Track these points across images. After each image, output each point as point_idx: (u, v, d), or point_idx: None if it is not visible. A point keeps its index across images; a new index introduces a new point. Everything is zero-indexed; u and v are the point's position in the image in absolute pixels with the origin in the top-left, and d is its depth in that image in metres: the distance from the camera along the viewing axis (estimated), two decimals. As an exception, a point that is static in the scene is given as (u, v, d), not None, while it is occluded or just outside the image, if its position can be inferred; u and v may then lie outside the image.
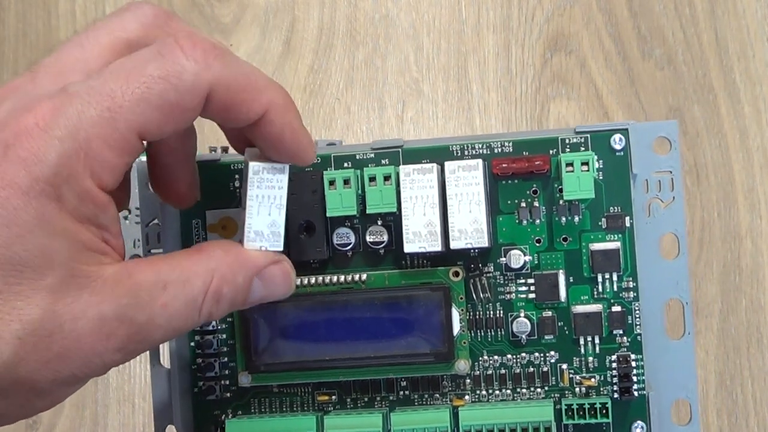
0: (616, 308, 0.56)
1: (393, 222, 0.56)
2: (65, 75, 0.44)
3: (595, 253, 0.56)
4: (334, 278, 0.56)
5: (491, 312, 0.56)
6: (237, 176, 0.57)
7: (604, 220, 0.56)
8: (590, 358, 0.56)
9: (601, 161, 0.56)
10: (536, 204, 0.56)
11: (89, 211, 0.42)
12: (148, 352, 0.59)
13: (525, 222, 0.56)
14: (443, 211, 0.55)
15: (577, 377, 0.56)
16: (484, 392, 0.57)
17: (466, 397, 0.57)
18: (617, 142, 0.56)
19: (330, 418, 0.56)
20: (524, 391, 0.57)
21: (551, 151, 0.56)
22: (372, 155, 0.57)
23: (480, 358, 0.57)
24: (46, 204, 0.41)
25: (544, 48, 0.80)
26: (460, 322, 0.56)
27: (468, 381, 0.57)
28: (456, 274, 0.56)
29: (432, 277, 0.56)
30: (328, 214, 0.55)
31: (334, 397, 0.58)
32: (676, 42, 0.78)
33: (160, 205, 0.58)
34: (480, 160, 0.55)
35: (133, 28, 0.46)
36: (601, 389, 0.56)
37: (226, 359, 0.58)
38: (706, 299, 0.76)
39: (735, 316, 0.76)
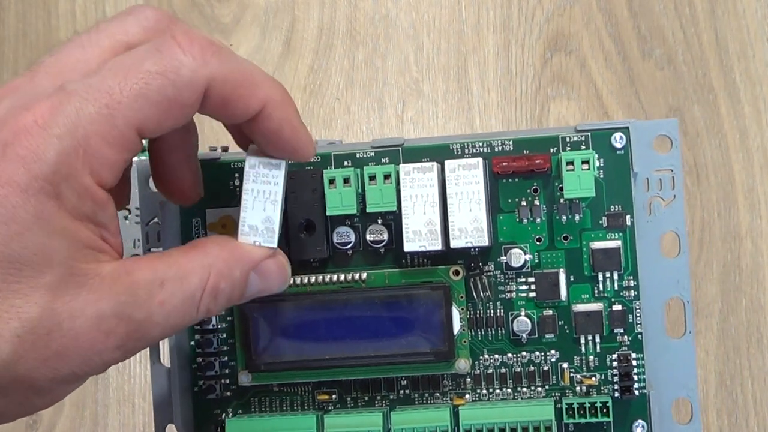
0: (617, 307, 0.56)
1: (393, 221, 0.56)
2: (65, 75, 0.44)
3: (595, 252, 0.56)
4: (335, 277, 0.56)
5: (492, 311, 0.56)
6: (237, 175, 0.57)
7: (604, 218, 0.56)
8: (591, 357, 0.56)
9: (601, 160, 0.56)
10: (537, 203, 0.56)
11: (88, 208, 0.42)
12: (148, 352, 0.59)
13: (525, 221, 0.56)
14: (443, 209, 0.55)
15: (578, 376, 0.56)
16: (484, 391, 0.57)
17: (467, 396, 0.57)
18: (618, 140, 0.56)
19: (330, 417, 0.56)
20: (525, 390, 0.56)
21: (552, 150, 0.56)
22: (372, 154, 0.57)
23: (480, 357, 0.56)
24: (45, 202, 0.41)
25: (544, 48, 0.80)
26: (461, 321, 0.56)
27: (468, 380, 0.57)
28: (456, 273, 0.56)
29: (432, 276, 0.56)
30: (328, 213, 0.55)
31: (334, 396, 0.58)
32: (676, 42, 0.78)
33: (159, 204, 0.58)
34: (480, 159, 0.55)
35: (135, 32, 0.46)
36: (602, 388, 0.56)
37: (226, 358, 0.58)
38: (706, 299, 0.76)
39: (735, 316, 0.76)
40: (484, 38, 0.81)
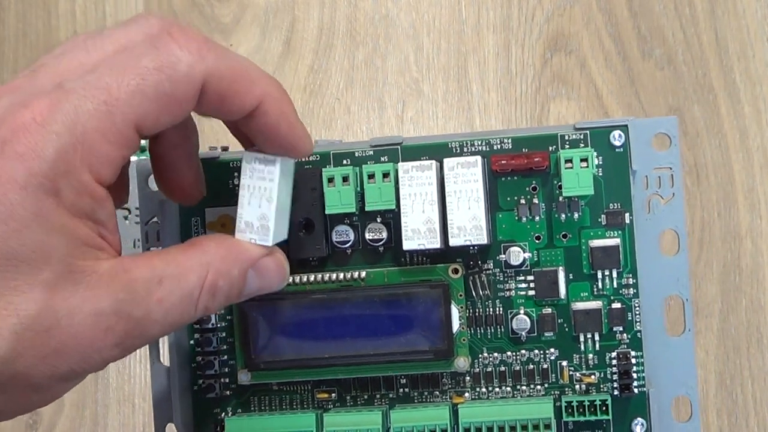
0: (616, 305, 0.56)
1: (392, 219, 0.56)
2: (65, 76, 0.44)
3: (594, 250, 0.56)
4: (334, 276, 0.56)
5: (491, 309, 0.56)
6: (236, 174, 0.57)
7: (603, 216, 0.56)
8: (590, 355, 0.56)
9: (600, 158, 0.56)
10: (535, 201, 0.56)
11: (87, 205, 0.42)
12: (148, 351, 0.59)
13: (524, 219, 0.56)
14: (442, 208, 0.55)
15: (577, 374, 0.56)
16: (483, 389, 0.57)
17: (466, 394, 0.57)
18: (617, 138, 0.56)
19: (330, 415, 0.56)
20: (524, 388, 0.56)
21: (550, 148, 0.56)
22: (371, 152, 0.57)
23: (480, 356, 0.56)
24: (44, 199, 0.41)
25: (544, 48, 0.80)
26: (460, 320, 0.56)
27: (468, 378, 0.57)
28: (455, 271, 0.56)
29: (431, 275, 0.56)
30: (327, 212, 0.55)
31: (333, 394, 0.58)
32: (676, 42, 0.78)
33: (159, 203, 0.58)
34: (479, 157, 0.55)
35: (139, 39, 0.46)
36: (601, 386, 0.56)
37: (225, 357, 0.58)
38: (706, 299, 0.76)
39: (735, 316, 0.76)
40: (484, 38, 0.81)
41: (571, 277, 0.56)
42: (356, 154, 0.57)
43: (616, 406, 0.56)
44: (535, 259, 0.56)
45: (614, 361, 0.56)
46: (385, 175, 0.55)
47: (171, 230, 0.58)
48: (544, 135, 0.56)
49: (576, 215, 0.56)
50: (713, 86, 0.78)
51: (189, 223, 0.58)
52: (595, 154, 0.55)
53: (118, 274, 0.43)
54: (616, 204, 0.56)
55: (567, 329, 0.56)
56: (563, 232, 0.56)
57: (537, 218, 0.56)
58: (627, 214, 0.56)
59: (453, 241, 0.54)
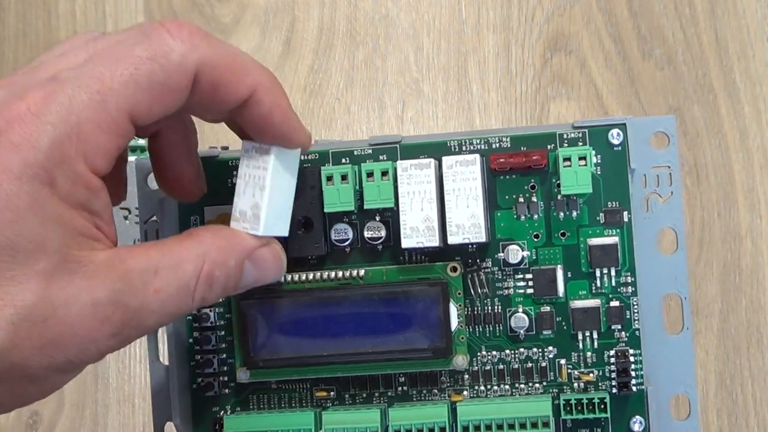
0: (615, 303, 0.56)
1: (391, 217, 0.56)
2: (61, 69, 0.45)
3: (593, 248, 0.56)
4: (332, 274, 0.56)
5: (489, 307, 0.56)
6: (235, 172, 0.57)
7: (602, 215, 0.56)
8: (588, 354, 0.56)
9: (599, 156, 0.56)
10: (534, 199, 0.56)
11: (82, 195, 0.43)
12: (147, 351, 0.59)
13: (523, 217, 0.56)
14: (441, 206, 0.55)
15: (576, 372, 0.56)
16: (482, 388, 0.57)
17: (465, 392, 0.57)
18: (615, 137, 0.56)
19: (328, 413, 0.56)
20: (522, 386, 0.57)
21: (549, 146, 0.56)
22: (370, 151, 0.57)
23: (478, 354, 0.57)
24: (39, 189, 0.41)
25: (544, 48, 0.80)
26: (458, 318, 0.56)
27: (466, 376, 0.57)
28: (454, 269, 0.56)
29: (430, 273, 0.56)
30: (325, 210, 0.56)
31: (332, 392, 0.58)
32: (676, 42, 0.78)
33: (159, 201, 0.58)
34: (477, 156, 0.55)
35: (133, 33, 0.46)
36: (600, 384, 0.56)
37: (224, 355, 0.58)
38: (706, 299, 0.76)
39: (735, 316, 0.76)
40: (484, 38, 0.81)
41: (569, 276, 0.56)
42: (355, 153, 0.57)
43: (615, 404, 0.56)
44: (534, 257, 0.56)
45: (613, 360, 0.56)
46: (384, 173, 0.55)
47: (170, 229, 0.58)
48: (542, 134, 0.56)
49: (574, 214, 0.56)
50: (713, 86, 0.78)
51: (188, 221, 0.58)
52: (593, 152, 0.55)
53: (114, 264, 0.43)
54: (614, 202, 0.56)
55: (565, 327, 0.56)
56: (562, 231, 0.56)
57: (535, 217, 0.56)
58: (625, 213, 0.56)
59: (451, 240, 0.54)
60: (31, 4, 0.84)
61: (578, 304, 0.56)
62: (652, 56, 0.79)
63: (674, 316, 0.57)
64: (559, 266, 0.56)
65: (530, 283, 0.56)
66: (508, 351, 0.56)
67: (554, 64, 0.80)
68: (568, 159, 0.54)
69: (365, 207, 0.56)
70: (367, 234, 0.57)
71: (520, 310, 0.56)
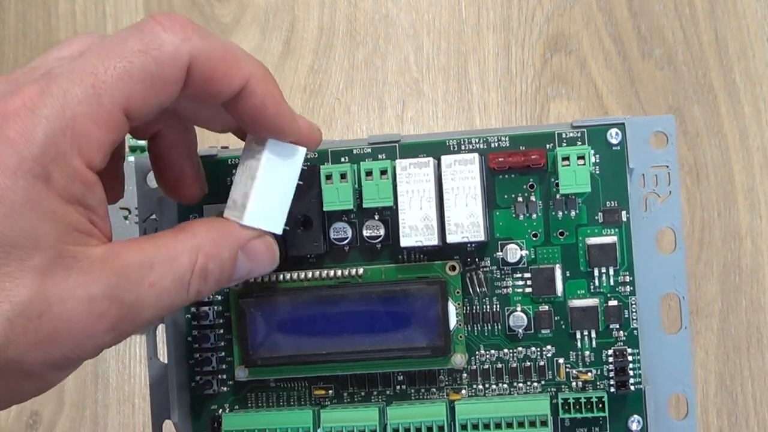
0: (613, 302, 0.56)
1: (390, 216, 0.57)
2: (55, 65, 0.45)
3: (591, 248, 0.56)
4: (331, 272, 0.56)
5: (488, 306, 0.56)
6: (233, 171, 0.57)
7: (600, 214, 0.56)
8: (587, 353, 0.56)
9: (597, 155, 0.56)
10: (533, 198, 0.56)
11: (77, 190, 0.43)
12: (145, 350, 0.59)
13: (521, 216, 0.56)
14: (440, 205, 0.55)
15: (574, 371, 0.56)
16: (480, 386, 0.57)
17: (463, 391, 0.57)
18: (614, 136, 0.56)
19: (327, 412, 0.56)
20: (521, 385, 0.57)
21: (548, 146, 0.56)
22: (369, 150, 0.57)
23: (476, 353, 0.57)
24: (35, 184, 0.41)
25: (544, 48, 0.80)
26: (457, 317, 0.56)
27: (464, 375, 0.57)
28: (452, 268, 0.56)
29: (428, 272, 0.56)
30: (324, 209, 0.56)
31: (330, 391, 0.58)
32: (676, 42, 0.78)
33: (157, 200, 0.58)
34: (476, 155, 0.55)
35: (126, 29, 0.46)
36: (598, 383, 0.56)
37: (223, 353, 0.58)
38: (706, 299, 0.76)
39: (735, 316, 0.76)
40: (484, 38, 0.81)
41: (567, 275, 0.56)
42: (354, 152, 0.57)
43: (613, 403, 0.56)
44: (532, 256, 0.56)
45: (611, 359, 0.56)
46: (383, 172, 0.55)
47: (169, 227, 0.58)
48: (541, 133, 0.56)
49: (573, 213, 0.56)
50: (713, 86, 0.78)
51: (187, 219, 0.58)
52: (592, 152, 0.55)
53: (109, 259, 0.43)
54: (613, 202, 0.56)
55: (564, 326, 0.56)
56: (560, 230, 0.56)
57: (534, 216, 0.56)
58: (624, 212, 0.56)
59: (450, 238, 0.54)
60: (31, 4, 0.84)
61: (577, 303, 0.56)
62: (652, 56, 0.79)
63: (672, 316, 0.57)
64: (557, 265, 0.56)
65: (529, 282, 0.56)
66: (506, 350, 0.57)
67: (554, 64, 0.80)
68: (567, 158, 0.54)
69: (364, 206, 0.56)
70: (366, 233, 0.57)
71: (519, 309, 0.56)
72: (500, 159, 0.55)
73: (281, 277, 0.56)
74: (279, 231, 0.51)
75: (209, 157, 0.57)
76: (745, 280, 0.76)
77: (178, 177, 0.52)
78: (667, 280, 0.57)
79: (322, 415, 0.56)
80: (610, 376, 0.56)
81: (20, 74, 0.45)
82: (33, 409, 0.79)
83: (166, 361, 0.58)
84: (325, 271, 0.56)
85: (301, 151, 0.51)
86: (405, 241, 0.54)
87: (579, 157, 0.54)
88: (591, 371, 0.56)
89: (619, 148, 0.56)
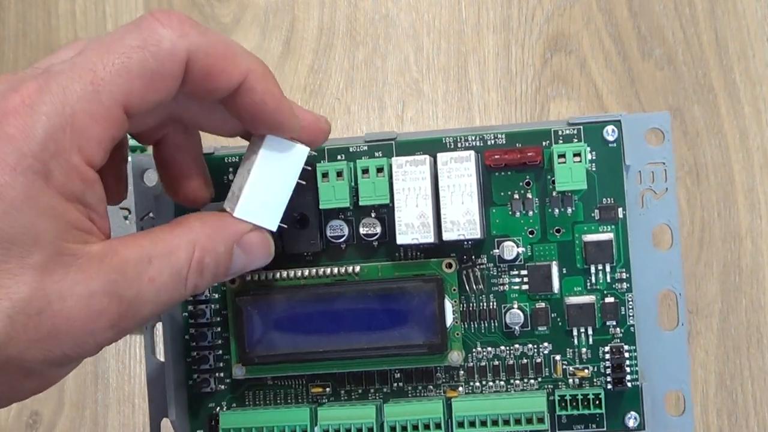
0: (609, 299, 0.56)
1: (386, 214, 0.57)
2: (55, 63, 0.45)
3: (588, 245, 0.56)
4: (328, 270, 0.56)
5: (484, 303, 0.56)
6: (231, 170, 0.58)
7: (597, 211, 0.56)
8: (583, 349, 0.56)
9: (594, 153, 0.56)
10: (529, 195, 0.56)
11: (77, 187, 0.43)
12: (144, 349, 0.59)
13: (518, 213, 0.56)
14: (436, 202, 0.55)
15: (571, 368, 0.56)
16: (477, 383, 0.57)
17: (460, 388, 0.57)
18: (610, 133, 0.56)
19: (324, 409, 0.56)
20: (518, 382, 0.57)
21: (544, 143, 0.56)
22: (365, 148, 0.57)
23: (473, 350, 0.57)
24: (34, 180, 0.41)
25: (544, 48, 0.80)
26: (453, 314, 0.56)
27: (461, 372, 0.57)
28: (449, 265, 0.56)
29: (425, 269, 0.56)
30: (321, 207, 0.56)
31: (327, 388, 0.58)
32: (676, 42, 0.78)
33: (154, 198, 0.58)
34: (472, 152, 0.55)
35: (124, 26, 0.47)
36: (595, 380, 0.56)
37: (220, 352, 0.58)
38: (706, 299, 0.76)
39: (735, 316, 0.76)
40: (484, 38, 0.81)
41: (564, 272, 0.56)
42: (350, 150, 0.57)
43: (609, 399, 0.56)
44: (529, 253, 0.56)
45: (607, 355, 0.56)
46: (379, 170, 0.55)
47: (166, 225, 0.58)
48: (537, 130, 0.56)
49: (569, 210, 0.56)
50: (713, 86, 0.78)
51: (184, 216, 0.58)
52: (588, 149, 0.55)
53: (108, 255, 0.43)
54: (609, 199, 0.56)
55: (560, 323, 0.56)
56: (556, 227, 0.56)
57: (530, 213, 0.56)
58: (620, 209, 0.56)
59: (446, 236, 0.54)
60: (31, 4, 0.85)
61: (573, 300, 0.56)
62: (652, 56, 0.79)
63: (670, 313, 0.57)
64: (554, 262, 0.56)
65: (525, 280, 0.56)
66: (503, 347, 0.57)
67: (554, 64, 0.80)
68: (563, 155, 0.54)
69: (360, 203, 0.56)
70: (362, 230, 0.57)
71: (515, 306, 0.56)
72: (496, 156, 0.55)
73: (278, 275, 0.56)
74: (273, 227, 0.50)
75: (207, 155, 0.57)
76: (745, 280, 0.76)
77: (184, 182, 0.52)
78: (663, 277, 0.57)
79: (319, 412, 0.56)
80: (607, 372, 0.56)
81: (21, 74, 0.45)
82: (33, 408, 0.79)
83: (163, 360, 0.58)
84: (322, 269, 0.56)
85: (302, 150, 0.51)
86: (401, 239, 0.54)
87: (575, 154, 0.54)
88: (588, 368, 0.56)
89: (615, 145, 0.56)
